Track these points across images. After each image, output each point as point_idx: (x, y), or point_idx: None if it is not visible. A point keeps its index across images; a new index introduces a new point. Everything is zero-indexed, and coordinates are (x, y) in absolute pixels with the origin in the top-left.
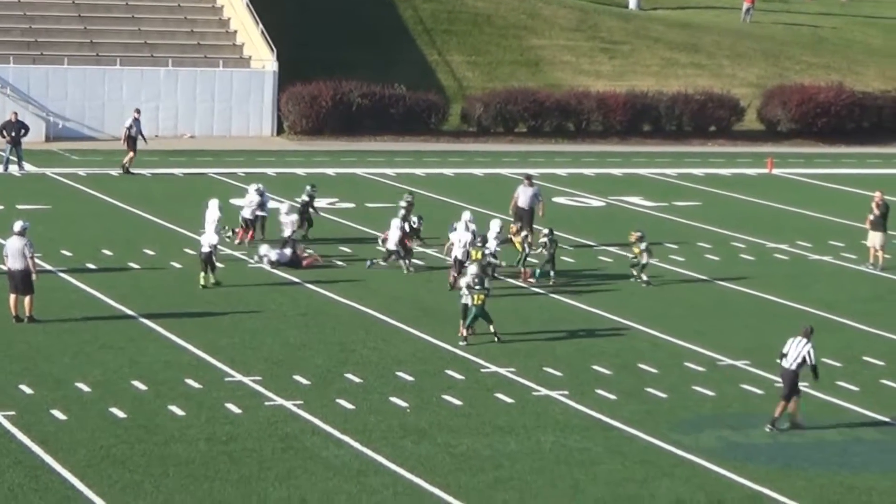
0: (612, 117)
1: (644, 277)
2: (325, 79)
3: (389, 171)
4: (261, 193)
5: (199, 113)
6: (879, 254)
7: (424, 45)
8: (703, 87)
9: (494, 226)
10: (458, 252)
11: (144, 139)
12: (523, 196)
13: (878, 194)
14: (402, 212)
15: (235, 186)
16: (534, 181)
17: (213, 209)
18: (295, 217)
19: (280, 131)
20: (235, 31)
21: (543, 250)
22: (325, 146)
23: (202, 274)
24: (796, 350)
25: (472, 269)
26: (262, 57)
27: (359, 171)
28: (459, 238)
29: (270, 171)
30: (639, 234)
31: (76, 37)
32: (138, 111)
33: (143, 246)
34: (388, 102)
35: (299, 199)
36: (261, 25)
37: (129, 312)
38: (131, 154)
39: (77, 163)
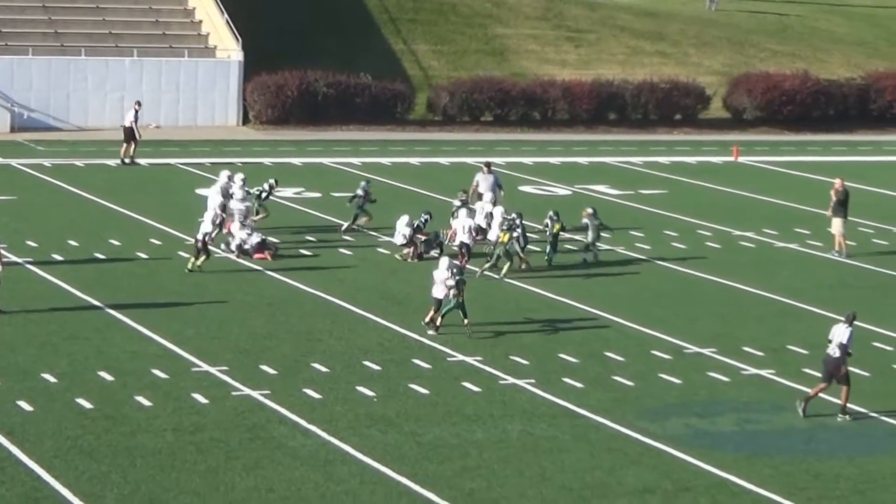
0: (577, 106)
1: (590, 254)
2: (291, 68)
3: (355, 161)
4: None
5: (165, 103)
6: (842, 240)
7: (390, 35)
8: (668, 76)
9: (497, 213)
10: (463, 237)
11: (136, 132)
12: (484, 183)
13: (837, 181)
14: (359, 198)
15: (201, 176)
16: (492, 168)
17: (213, 196)
18: (248, 205)
19: (246, 121)
20: (200, 21)
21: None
22: (291, 136)
23: (195, 258)
24: (838, 336)
25: (444, 261)
26: (228, 47)
27: (324, 160)
28: (462, 224)
29: (236, 160)
30: (590, 210)
31: (41, 27)
32: (139, 103)
33: (109, 236)
34: (353, 92)
35: (257, 188)
36: (226, 15)
37: (96, 303)
38: (133, 145)
39: (42, 153)
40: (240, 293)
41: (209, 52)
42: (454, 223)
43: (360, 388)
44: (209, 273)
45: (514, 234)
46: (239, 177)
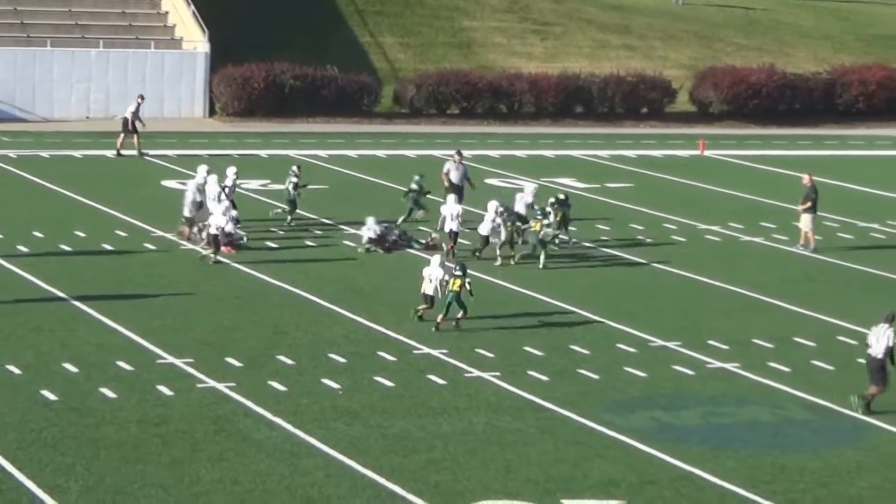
0: (544, 99)
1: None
2: (258, 60)
3: (322, 153)
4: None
5: (131, 94)
6: (810, 235)
7: (357, 27)
8: (635, 69)
9: (528, 189)
10: (451, 224)
11: (136, 125)
12: (455, 172)
13: (805, 177)
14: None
15: (168, 168)
16: (463, 159)
17: (211, 184)
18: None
19: (212, 113)
20: (167, 13)
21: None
22: (257, 128)
23: (208, 250)
24: (881, 337)
25: (436, 259)
26: (194, 38)
27: (291, 152)
28: (450, 211)
29: (202, 152)
30: (554, 199)
31: (6, 17)
32: (142, 97)
33: (75, 228)
34: (320, 84)
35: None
36: (192, 7)
37: (61, 295)
38: (135, 137)
39: (7, 144)
40: (206, 285)
41: (175, 43)
42: (443, 209)
43: (326, 381)
44: (175, 265)
45: (546, 222)
46: (232, 170)
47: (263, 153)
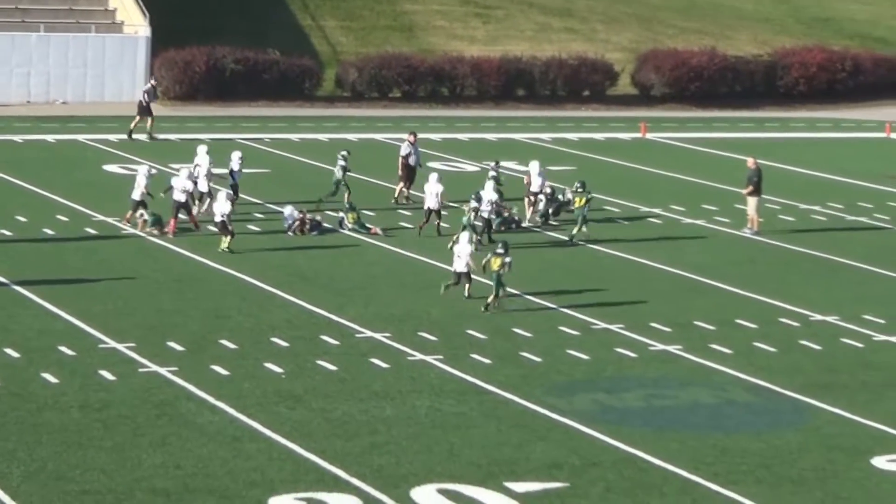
0: (486, 82)
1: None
2: (199, 44)
3: (264, 137)
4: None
5: (72, 78)
6: (755, 217)
7: (298, 10)
8: (576, 52)
9: (534, 167)
10: (431, 203)
11: (150, 106)
12: (414, 155)
13: (750, 160)
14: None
15: (109, 153)
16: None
17: (203, 161)
18: (190, 184)
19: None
20: None
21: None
22: (199, 112)
23: (223, 238)
24: None
25: (465, 235)
26: (135, 22)
27: (233, 136)
28: (431, 190)
29: (143, 136)
30: (577, 185)
31: None
32: (155, 80)
33: (15, 213)
34: (261, 68)
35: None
36: None
37: (2, 280)
38: (150, 119)
39: None
40: (148, 270)
41: (116, 27)
42: (426, 188)
43: (269, 365)
44: (117, 249)
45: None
46: (237, 154)
47: (205, 137)
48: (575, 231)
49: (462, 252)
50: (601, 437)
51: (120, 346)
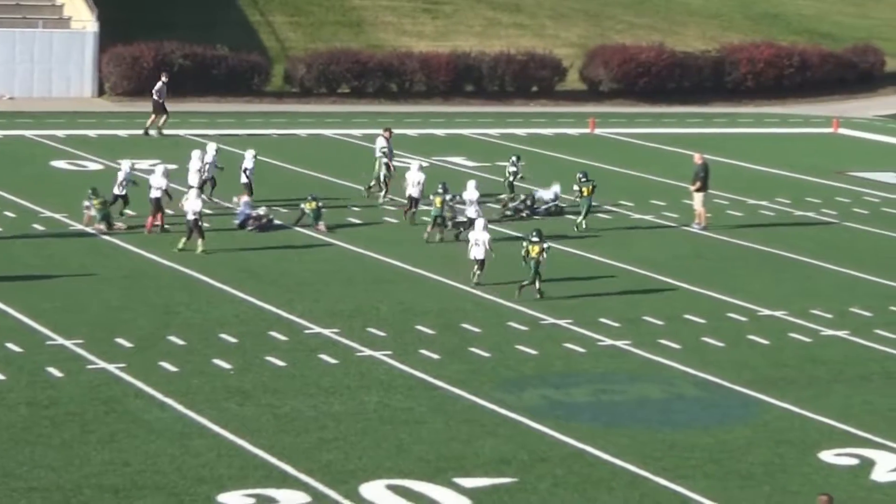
0: (434, 78)
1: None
2: (147, 40)
3: (212, 133)
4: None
5: (19, 74)
6: (702, 212)
7: (246, 6)
8: (525, 48)
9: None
10: (412, 191)
11: (164, 104)
12: (389, 149)
13: (696, 155)
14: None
15: (56, 148)
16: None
17: (194, 159)
18: (165, 181)
19: (101, 93)
20: None
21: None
22: (147, 108)
23: (183, 240)
24: None
25: (480, 222)
26: (83, 17)
27: (181, 132)
28: (413, 178)
29: (91, 132)
30: (580, 175)
31: None
32: (167, 75)
33: None
34: (210, 63)
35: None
36: None
37: None
38: (165, 116)
39: None
40: (96, 266)
41: (64, 23)
42: (407, 176)
43: (217, 361)
44: (65, 246)
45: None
46: (250, 153)
47: (153, 132)
48: (579, 220)
49: (480, 238)
50: (550, 432)
51: (68, 343)
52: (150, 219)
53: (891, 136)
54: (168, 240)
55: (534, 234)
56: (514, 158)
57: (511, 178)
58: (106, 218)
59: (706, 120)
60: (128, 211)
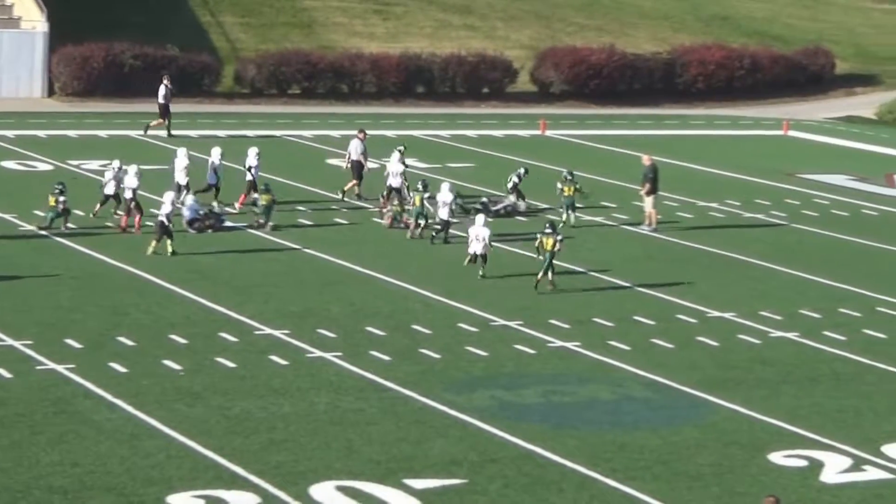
0: (385, 79)
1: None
2: (97, 40)
3: (162, 133)
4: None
5: None
6: (653, 214)
7: (197, 6)
8: (476, 49)
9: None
10: (393, 182)
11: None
12: (358, 150)
13: (645, 157)
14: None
15: (5, 149)
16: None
17: (181, 157)
18: (136, 181)
19: (51, 93)
20: None
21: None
22: (98, 108)
23: (154, 243)
24: None
25: (480, 218)
26: (32, 17)
27: (132, 133)
28: (393, 169)
29: (41, 133)
30: (565, 174)
31: None
32: (168, 78)
33: None
34: (160, 64)
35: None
36: None
37: None
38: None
39: None
40: (45, 267)
41: (13, 22)
42: (388, 166)
43: (167, 362)
44: (15, 246)
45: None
46: (254, 150)
47: (103, 133)
48: (564, 217)
49: (480, 234)
50: (500, 433)
51: (17, 344)
52: (124, 217)
53: (841, 139)
54: (122, 241)
55: (547, 226)
56: (521, 171)
57: (511, 184)
58: (59, 216)
59: (657, 122)
60: (120, 212)
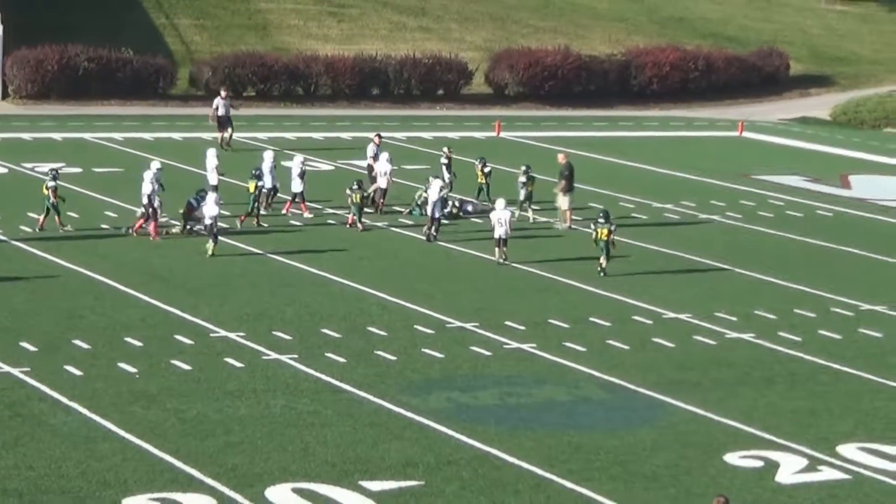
0: (340, 81)
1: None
2: (51, 42)
3: (117, 136)
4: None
5: None
6: (568, 213)
7: (151, 9)
8: (431, 51)
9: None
10: (381, 182)
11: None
12: (370, 154)
13: (561, 155)
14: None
15: None
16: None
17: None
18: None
19: (5, 96)
20: None
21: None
22: (52, 111)
23: (212, 245)
24: None
25: (501, 202)
26: None
27: (86, 135)
28: (382, 169)
29: None
30: (524, 168)
31: None
32: (226, 90)
33: None
34: (115, 66)
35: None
36: None
37: None
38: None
39: None
40: (1, 270)
41: None
42: (376, 166)
43: (122, 365)
44: None
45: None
46: (269, 154)
47: (58, 136)
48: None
49: (503, 217)
50: (456, 435)
51: None
52: (139, 221)
53: (795, 140)
54: (78, 245)
55: (601, 216)
56: (524, 168)
57: (522, 188)
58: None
59: (612, 123)
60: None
